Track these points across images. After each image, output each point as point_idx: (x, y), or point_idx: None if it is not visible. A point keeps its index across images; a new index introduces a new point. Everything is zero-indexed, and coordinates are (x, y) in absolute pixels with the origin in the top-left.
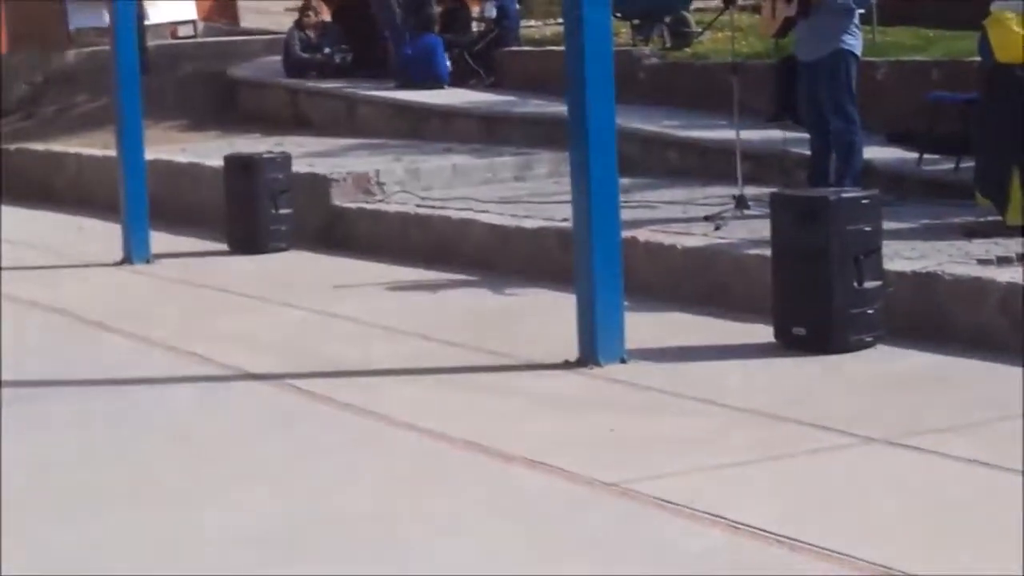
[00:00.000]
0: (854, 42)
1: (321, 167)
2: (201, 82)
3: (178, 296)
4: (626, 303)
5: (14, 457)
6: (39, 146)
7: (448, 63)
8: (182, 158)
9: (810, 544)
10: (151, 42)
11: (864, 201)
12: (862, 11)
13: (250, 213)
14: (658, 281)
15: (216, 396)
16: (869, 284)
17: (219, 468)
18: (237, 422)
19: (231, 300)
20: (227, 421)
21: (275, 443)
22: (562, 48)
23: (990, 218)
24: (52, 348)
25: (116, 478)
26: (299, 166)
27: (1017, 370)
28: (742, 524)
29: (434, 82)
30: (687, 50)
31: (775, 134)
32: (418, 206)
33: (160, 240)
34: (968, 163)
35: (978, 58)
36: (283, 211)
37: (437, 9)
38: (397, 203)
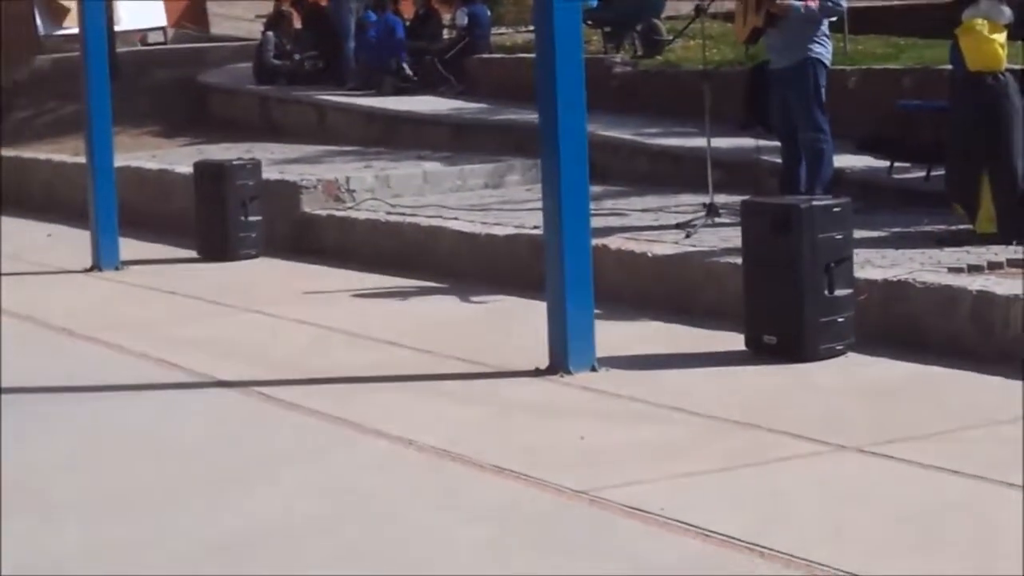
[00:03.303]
0: (823, 50)
1: (291, 174)
2: (171, 88)
3: (147, 303)
4: (597, 311)
5: None
6: (9, 152)
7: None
8: (152, 165)
9: (781, 552)
10: (121, 48)
11: (835, 209)
12: (832, 19)
13: (220, 220)
14: (629, 289)
15: (185, 403)
16: (840, 292)
17: (187, 475)
18: (206, 429)
19: (200, 307)
20: (196, 428)
21: (244, 450)
22: (533, 55)
23: (961, 226)
24: (20, 355)
25: (84, 485)
26: (269, 173)
27: (987, 378)
28: (713, 532)
29: (395, 57)
30: (658, 58)
31: (746, 142)
32: (388, 213)
33: (129, 247)
34: (939, 171)
35: (949, 66)
36: (253, 218)
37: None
38: (367, 210)
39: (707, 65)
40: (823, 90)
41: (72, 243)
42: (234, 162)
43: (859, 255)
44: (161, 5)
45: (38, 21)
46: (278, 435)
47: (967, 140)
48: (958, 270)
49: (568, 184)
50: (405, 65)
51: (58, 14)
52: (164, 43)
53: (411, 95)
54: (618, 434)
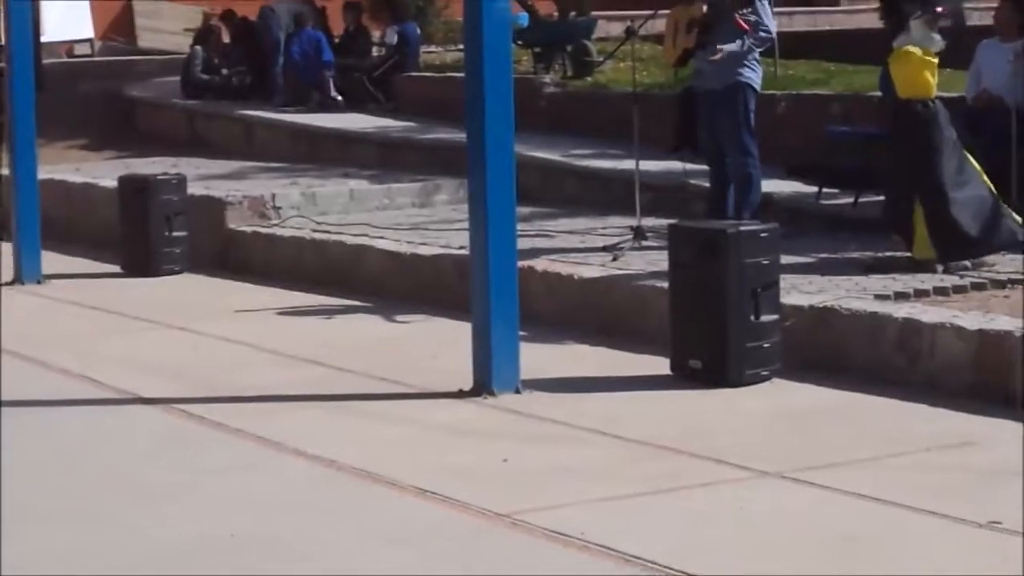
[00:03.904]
0: (753, 75)
1: (217, 190)
2: (97, 101)
3: (70, 318)
4: (522, 332)
5: None
6: None
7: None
8: (76, 178)
9: None
10: (46, 59)
11: (762, 234)
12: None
13: (144, 235)
14: (555, 311)
15: (108, 420)
16: (766, 318)
17: (109, 492)
18: (128, 446)
19: (123, 323)
20: (119, 445)
21: (166, 467)
22: (462, 74)
23: (888, 253)
24: None
25: (5, 502)
26: (195, 188)
27: (912, 405)
28: (634, 557)
29: (324, 70)
30: (588, 79)
31: (675, 165)
32: (314, 231)
33: (52, 261)
34: (867, 198)
35: (879, 93)
36: (178, 234)
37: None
38: (293, 227)
39: (637, 87)
40: (752, 115)
41: None
42: (159, 177)
43: (786, 280)
44: (88, 16)
45: None
46: (199, 453)
47: (899, 167)
48: (884, 297)
49: (495, 204)
50: (332, 82)
51: None
52: (91, 55)
53: (338, 112)
54: (541, 457)
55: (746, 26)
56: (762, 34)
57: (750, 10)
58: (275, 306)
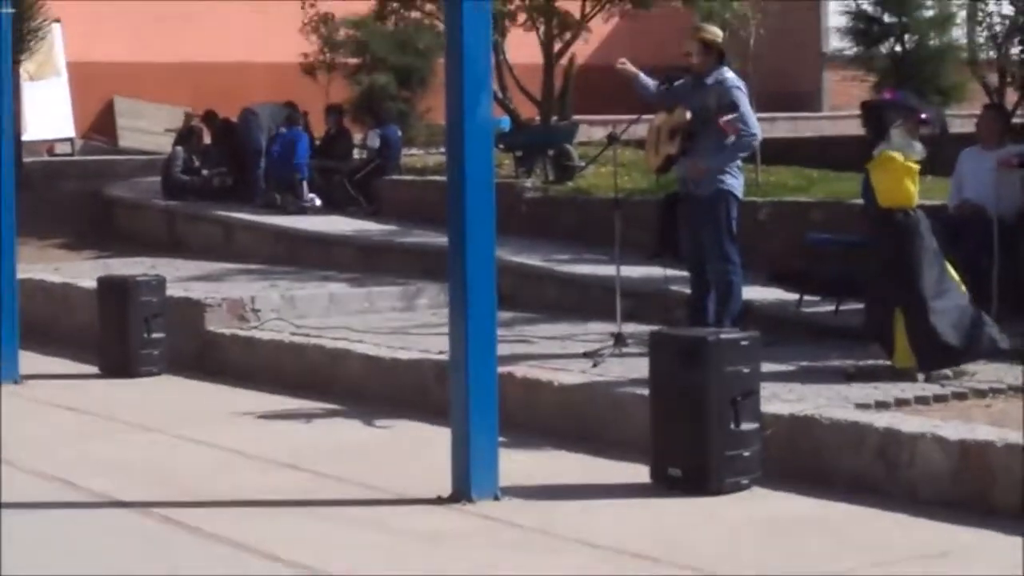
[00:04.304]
0: (735, 182)
1: (196, 291)
2: (77, 201)
3: (46, 419)
4: (501, 438)
5: None
6: None
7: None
8: (55, 278)
9: None
10: (27, 158)
11: (743, 343)
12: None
13: (122, 336)
14: (534, 417)
15: (83, 523)
16: (746, 426)
17: None
18: (103, 550)
19: (100, 425)
20: (93, 549)
21: (142, 572)
22: (444, 178)
23: (870, 362)
24: None
25: None
26: (173, 290)
27: (892, 515)
28: None
29: (295, 173)
30: (569, 184)
31: (656, 271)
32: (293, 334)
33: (30, 360)
34: (848, 305)
35: (860, 200)
36: (156, 335)
37: (317, 136)
38: (272, 330)
39: (618, 193)
40: (735, 222)
41: None
42: (138, 278)
43: (766, 389)
44: (70, 115)
45: None
46: (177, 558)
47: (880, 276)
48: (865, 406)
49: (475, 310)
50: (304, 184)
51: None
52: (71, 154)
53: (316, 214)
54: (520, 565)
55: (730, 129)
56: (746, 138)
57: (736, 115)
58: (253, 410)
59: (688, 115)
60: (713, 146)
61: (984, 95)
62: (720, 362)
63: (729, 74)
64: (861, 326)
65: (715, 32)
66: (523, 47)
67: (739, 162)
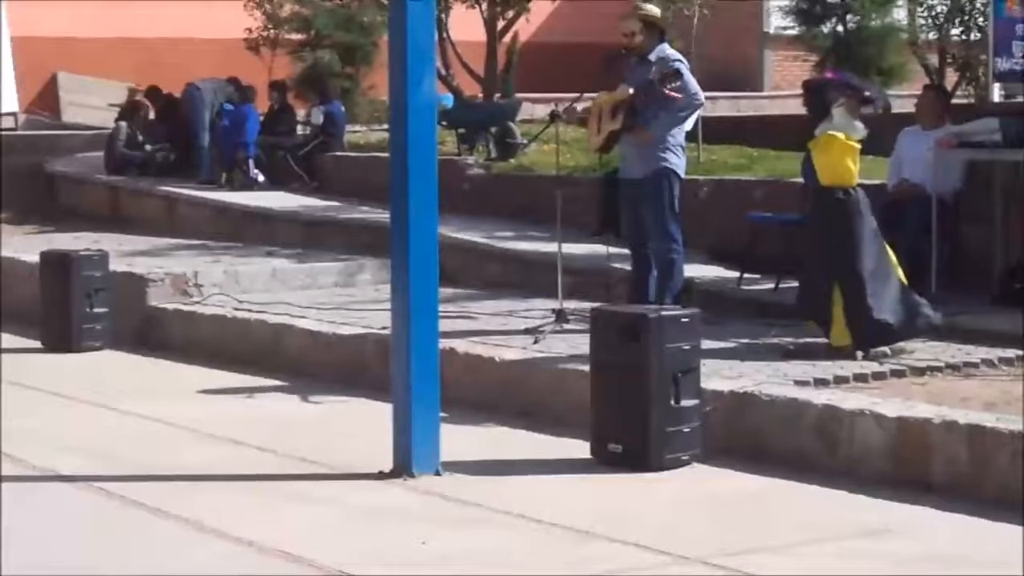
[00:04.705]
0: (677, 161)
1: (139, 266)
2: (21, 175)
3: None
4: (443, 414)
5: None
6: None
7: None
8: None
9: None
10: None
11: (683, 319)
12: (687, 130)
13: (65, 311)
14: (476, 393)
15: (25, 497)
16: (686, 402)
17: (26, 571)
18: (46, 524)
19: (42, 399)
20: (36, 523)
21: (82, 546)
22: (386, 154)
23: (808, 339)
24: None
25: None
26: (117, 264)
27: (831, 492)
28: None
29: (242, 151)
30: (512, 161)
31: (599, 249)
32: (236, 309)
33: None
34: (788, 283)
35: (801, 179)
36: (99, 310)
37: (260, 112)
38: (214, 305)
39: (560, 171)
40: (677, 201)
41: None
42: (81, 252)
43: (706, 365)
44: (13, 90)
45: None
46: (117, 532)
47: (819, 254)
48: (804, 383)
49: (417, 286)
50: (251, 161)
51: None
52: (15, 129)
53: (260, 190)
54: (459, 540)
55: (678, 99)
56: (689, 98)
57: (679, 84)
58: (196, 385)
59: (631, 90)
60: (655, 117)
61: (924, 76)
62: (661, 339)
63: (670, 50)
64: (795, 304)
65: (654, 10)
66: (466, 24)
67: (682, 142)
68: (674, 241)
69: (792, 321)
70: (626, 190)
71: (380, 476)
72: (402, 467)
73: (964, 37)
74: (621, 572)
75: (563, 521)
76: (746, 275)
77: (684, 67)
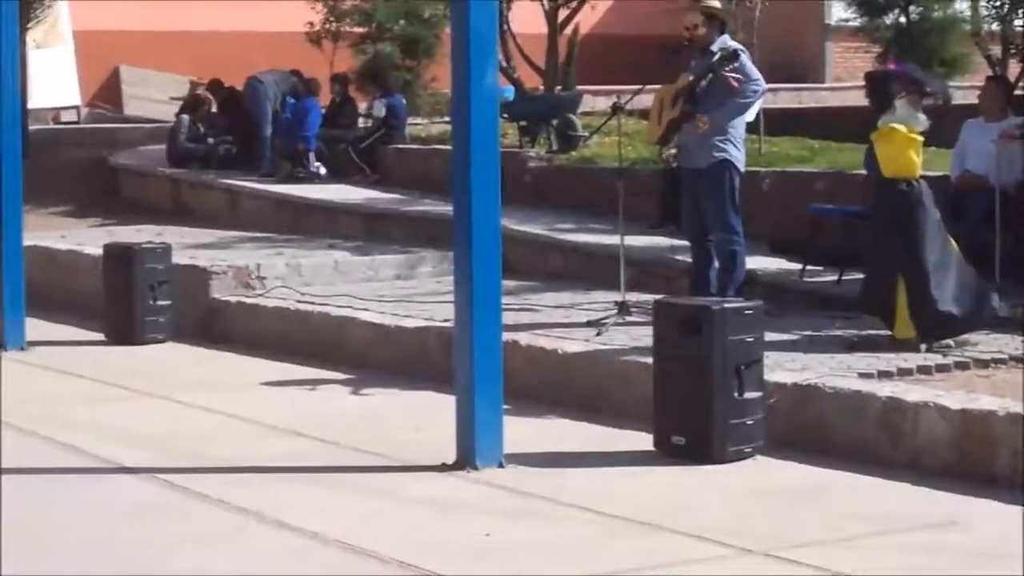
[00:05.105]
0: (737, 153)
1: (201, 259)
2: (83, 169)
3: (52, 385)
4: (506, 406)
5: None
6: None
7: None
8: (61, 245)
9: None
10: (33, 126)
11: (746, 312)
12: (749, 120)
13: (128, 303)
14: (538, 385)
15: (89, 488)
16: (750, 395)
17: (89, 562)
18: (109, 515)
19: (106, 391)
20: (99, 514)
21: (146, 538)
22: (448, 147)
23: (872, 331)
24: None
25: None
26: (179, 257)
27: (894, 484)
28: None
29: (303, 144)
30: (573, 153)
31: (660, 241)
32: (298, 301)
33: (36, 327)
34: (851, 275)
35: (863, 171)
36: (162, 302)
37: (322, 105)
38: (277, 298)
39: (622, 162)
40: (738, 192)
41: None
42: (144, 245)
43: (769, 358)
44: (75, 83)
45: None
46: (181, 523)
47: (882, 247)
48: (868, 375)
49: (480, 278)
50: (312, 154)
51: None
52: (77, 122)
53: (322, 183)
54: (523, 532)
55: (736, 84)
56: (750, 86)
57: (737, 65)
58: (258, 377)
59: (690, 77)
60: (717, 106)
61: (987, 67)
62: (724, 331)
63: (732, 42)
64: (858, 297)
65: (716, 3)
66: (527, 17)
67: (742, 134)
68: (735, 233)
69: (855, 313)
70: (687, 181)
71: (443, 468)
72: (465, 459)
73: None
74: (684, 564)
75: (626, 513)
76: (808, 267)
77: (746, 56)
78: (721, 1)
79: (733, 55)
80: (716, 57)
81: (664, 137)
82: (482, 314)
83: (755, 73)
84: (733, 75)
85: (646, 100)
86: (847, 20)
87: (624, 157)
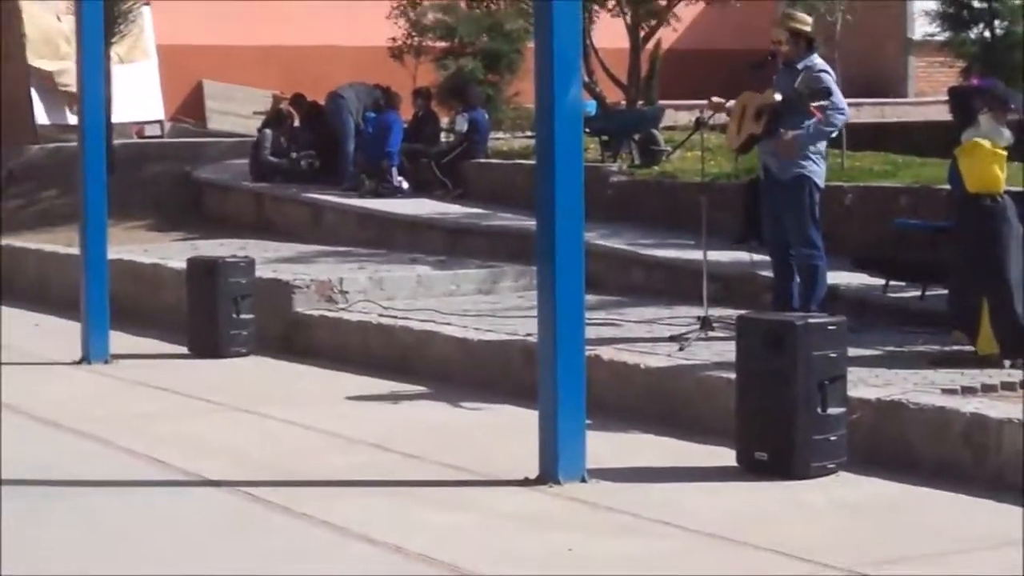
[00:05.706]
0: (817, 169)
1: (284, 273)
2: (166, 183)
3: (136, 398)
4: (588, 421)
5: None
6: (2, 241)
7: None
8: (145, 259)
9: None
10: (117, 140)
11: (830, 327)
12: (837, 126)
13: (211, 317)
14: (621, 400)
15: (173, 501)
16: (833, 410)
17: (171, 573)
18: (193, 528)
19: (189, 404)
20: (183, 527)
21: (230, 551)
22: (530, 161)
23: (955, 347)
24: (5, 448)
25: None
26: (262, 271)
27: (979, 501)
28: None
29: (386, 160)
30: (655, 168)
31: (742, 256)
32: (380, 316)
33: (120, 340)
34: (934, 291)
35: (947, 186)
36: (245, 316)
37: (404, 119)
38: (359, 312)
39: (705, 177)
40: (818, 207)
41: (61, 334)
42: (227, 259)
43: (853, 373)
44: (159, 98)
45: (36, 110)
46: (264, 537)
47: (966, 262)
48: (952, 391)
49: (563, 293)
50: (394, 169)
51: (57, 103)
52: (161, 136)
53: (404, 198)
54: (606, 547)
55: (819, 114)
56: (834, 114)
57: (829, 103)
58: (341, 391)
59: (778, 97)
60: (799, 124)
61: None
62: (807, 346)
63: (818, 59)
64: (947, 313)
65: (804, 20)
66: (609, 31)
67: (822, 150)
68: (815, 248)
69: (939, 329)
70: (767, 195)
71: (526, 483)
72: (548, 474)
73: None
74: None
75: (708, 529)
76: (891, 283)
77: (831, 79)
78: (808, 14)
79: (824, 92)
80: (805, 87)
81: (743, 147)
82: (565, 329)
83: (842, 103)
84: (821, 111)
85: (728, 117)
86: (931, 35)
87: (706, 172)
